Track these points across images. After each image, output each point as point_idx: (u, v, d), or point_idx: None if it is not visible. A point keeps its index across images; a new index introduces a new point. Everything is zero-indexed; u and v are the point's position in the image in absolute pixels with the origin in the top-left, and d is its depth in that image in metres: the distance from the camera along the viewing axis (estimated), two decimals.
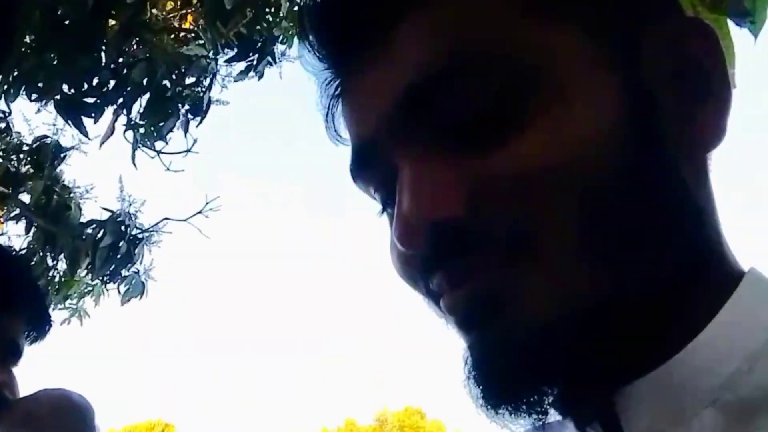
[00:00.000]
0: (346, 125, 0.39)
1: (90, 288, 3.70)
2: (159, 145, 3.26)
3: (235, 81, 3.34)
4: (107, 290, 3.63)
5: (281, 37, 3.17)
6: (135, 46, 2.93)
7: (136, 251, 3.49)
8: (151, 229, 3.75)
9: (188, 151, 3.37)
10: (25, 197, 3.47)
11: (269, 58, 3.28)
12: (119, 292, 3.42)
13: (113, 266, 3.34)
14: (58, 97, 2.83)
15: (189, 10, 3.23)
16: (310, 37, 0.39)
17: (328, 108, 0.40)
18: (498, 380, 0.32)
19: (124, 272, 3.40)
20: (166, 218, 4.06)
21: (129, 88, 2.89)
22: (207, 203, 4.53)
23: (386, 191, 0.37)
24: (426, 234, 0.32)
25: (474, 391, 0.33)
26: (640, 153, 0.32)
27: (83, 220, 3.50)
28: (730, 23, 0.84)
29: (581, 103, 0.32)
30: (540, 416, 0.32)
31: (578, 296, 0.31)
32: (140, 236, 3.58)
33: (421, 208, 0.32)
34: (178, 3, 3.24)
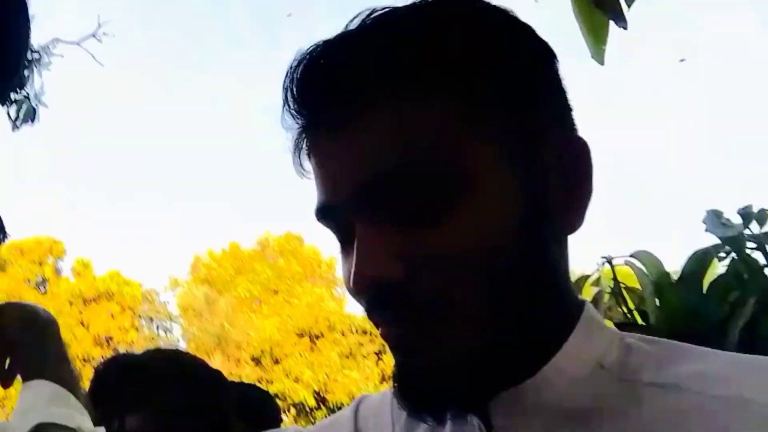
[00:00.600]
0: (315, 179, 0.48)
1: None
2: None
3: None
4: None
5: None
6: None
7: (26, 73, 3.34)
8: (40, 50, 3.55)
9: None
10: None
11: None
12: (9, 117, 3.31)
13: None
14: None
15: None
16: (287, 96, 0.47)
17: (296, 150, 0.49)
18: (414, 398, 0.45)
19: (14, 96, 3.26)
20: (56, 39, 3.83)
21: None
22: (100, 26, 4.24)
23: (343, 236, 0.47)
24: (371, 287, 0.43)
25: (396, 393, 0.46)
26: (530, 241, 0.44)
27: None
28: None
29: (493, 202, 0.43)
30: (440, 419, 0.47)
31: (480, 342, 0.43)
32: (29, 57, 3.40)
33: (370, 270, 0.42)
34: None
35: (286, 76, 0.47)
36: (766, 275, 1.02)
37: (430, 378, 0.44)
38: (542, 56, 0.49)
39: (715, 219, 1.08)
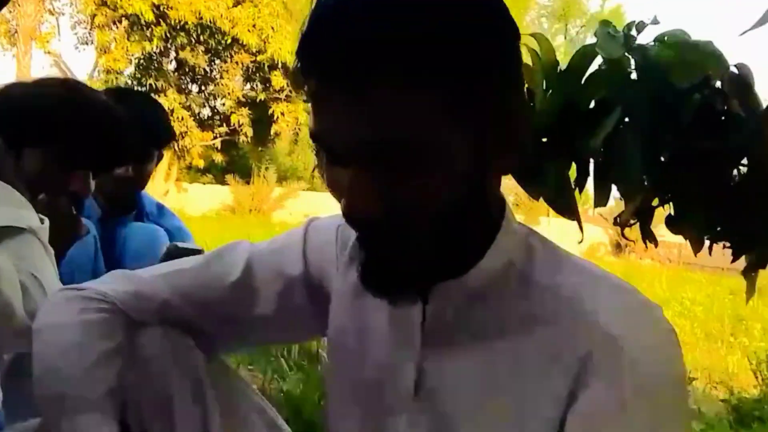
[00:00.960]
0: (315, 107, 0.58)
1: None
2: None
3: None
4: None
5: None
6: None
7: None
8: None
9: None
10: None
11: None
12: None
13: None
14: None
15: None
16: (305, 48, 0.56)
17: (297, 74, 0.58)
18: (375, 283, 0.63)
19: None
20: None
21: None
22: None
23: (334, 157, 0.60)
24: (360, 221, 0.60)
25: (360, 277, 0.63)
26: (473, 190, 0.61)
27: None
28: None
29: (453, 167, 0.58)
30: (393, 302, 0.65)
31: (427, 252, 0.61)
32: None
33: (361, 209, 0.58)
34: None
35: (303, 33, 0.56)
36: (634, 84, 1.19)
37: (387, 269, 0.62)
38: (516, 38, 0.61)
39: (603, 28, 1.18)
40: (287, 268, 0.80)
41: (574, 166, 1.25)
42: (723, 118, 1.19)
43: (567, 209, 1.26)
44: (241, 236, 1.02)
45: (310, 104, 0.59)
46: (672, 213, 1.33)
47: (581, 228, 1.29)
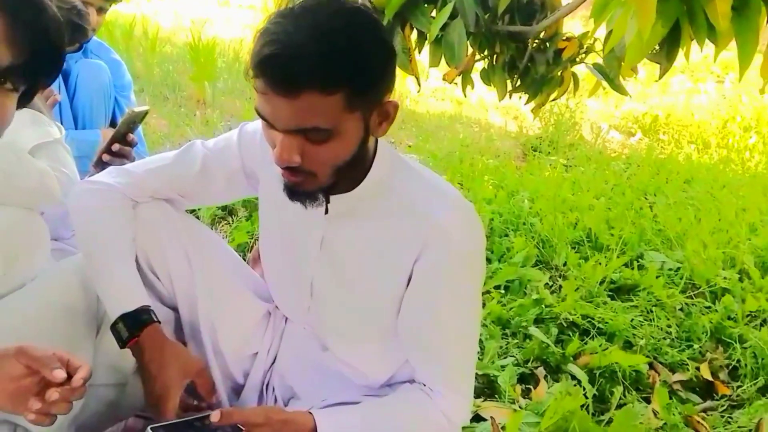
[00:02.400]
0: (261, 97, 0.89)
1: None
2: None
3: None
4: None
5: None
6: None
7: None
8: None
9: None
10: None
11: None
12: None
13: None
14: None
15: None
16: (254, 62, 0.87)
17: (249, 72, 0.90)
18: (293, 198, 0.99)
19: None
20: None
21: None
22: None
23: (269, 125, 0.92)
24: (285, 164, 0.93)
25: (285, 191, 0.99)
26: (360, 150, 0.96)
27: None
28: None
29: (350, 138, 0.93)
30: (305, 205, 1.00)
31: (327, 183, 0.97)
32: None
33: (286, 158, 0.91)
34: None
35: (255, 51, 0.88)
36: None
37: (300, 192, 1.00)
38: (390, 54, 0.95)
39: None
40: (230, 162, 1.20)
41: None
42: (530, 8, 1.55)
43: (406, 68, 1.62)
44: None
45: (257, 91, 0.89)
46: (485, 68, 1.75)
47: (418, 82, 1.68)
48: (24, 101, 0.97)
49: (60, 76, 1.91)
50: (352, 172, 1.01)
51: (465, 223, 1.04)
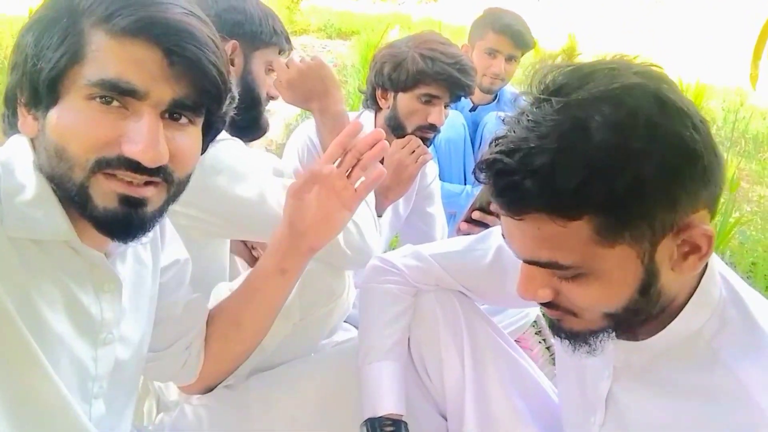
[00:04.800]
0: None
1: None
2: None
3: None
4: None
5: None
6: None
7: None
8: None
9: None
10: None
11: None
12: None
13: None
14: None
15: None
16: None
17: None
18: (556, 332, 0.76)
19: None
20: None
21: None
22: None
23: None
24: (526, 298, 0.73)
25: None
26: (648, 291, 0.70)
27: None
28: None
29: (617, 281, 0.69)
30: (576, 348, 0.76)
31: (599, 329, 0.72)
32: None
33: (525, 291, 0.71)
34: None
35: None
36: None
37: (569, 339, 0.78)
38: (693, 159, 0.67)
39: None
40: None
41: None
42: None
43: None
44: None
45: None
46: None
47: None
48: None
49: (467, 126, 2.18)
50: (643, 314, 0.73)
51: None
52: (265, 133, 1.52)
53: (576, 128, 0.63)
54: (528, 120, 0.65)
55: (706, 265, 0.72)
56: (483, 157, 0.68)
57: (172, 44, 0.72)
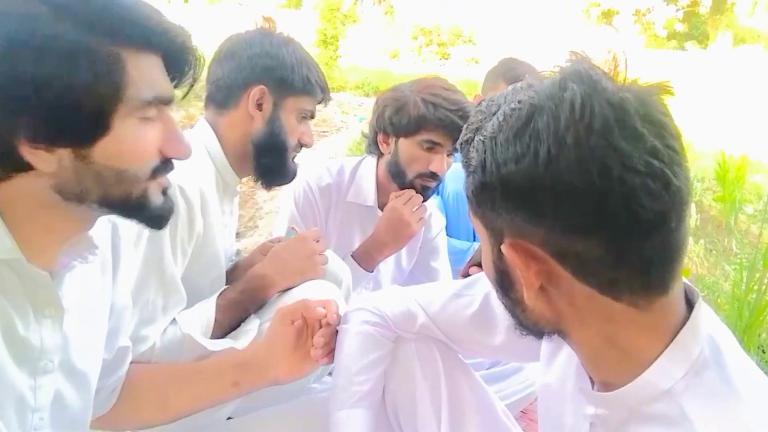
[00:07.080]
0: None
1: None
2: None
3: None
4: None
5: None
6: None
7: None
8: None
9: None
10: None
11: None
12: None
13: None
14: None
15: None
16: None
17: None
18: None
19: None
20: None
21: None
22: None
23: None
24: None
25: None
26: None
27: None
28: None
29: None
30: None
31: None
32: None
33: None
34: None
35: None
36: None
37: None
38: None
39: None
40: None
41: None
42: None
43: None
44: None
45: None
46: None
47: None
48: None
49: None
50: (523, 317, 0.72)
51: None
52: (291, 179, 1.49)
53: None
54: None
55: (688, 318, 0.67)
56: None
57: (165, 47, 0.76)
